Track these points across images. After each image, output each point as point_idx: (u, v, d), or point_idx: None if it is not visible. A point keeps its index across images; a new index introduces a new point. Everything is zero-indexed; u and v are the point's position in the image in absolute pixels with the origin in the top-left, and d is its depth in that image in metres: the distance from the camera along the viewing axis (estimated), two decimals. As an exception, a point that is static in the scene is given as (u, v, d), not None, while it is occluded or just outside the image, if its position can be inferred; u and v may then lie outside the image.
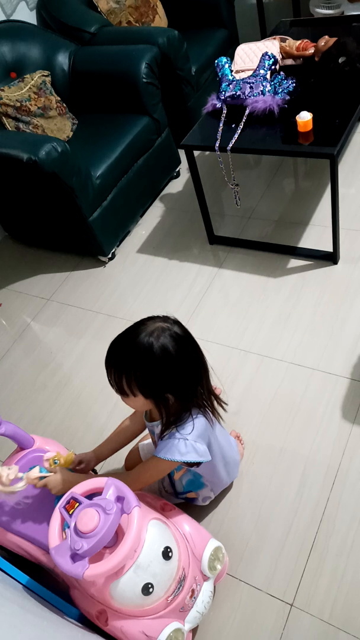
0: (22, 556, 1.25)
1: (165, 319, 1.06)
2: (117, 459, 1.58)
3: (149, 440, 1.45)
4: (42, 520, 1.23)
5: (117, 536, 1.03)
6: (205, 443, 1.14)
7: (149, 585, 1.05)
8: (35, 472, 1.17)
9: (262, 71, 1.87)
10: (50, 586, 1.20)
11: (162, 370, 1.03)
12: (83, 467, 1.28)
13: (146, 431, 1.38)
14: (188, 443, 1.09)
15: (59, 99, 2.36)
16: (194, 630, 1.26)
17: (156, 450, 1.12)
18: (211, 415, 1.15)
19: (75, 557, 0.95)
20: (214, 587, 1.28)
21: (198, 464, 1.25)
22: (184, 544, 1.18)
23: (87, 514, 0.96)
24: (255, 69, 1.89)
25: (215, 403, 1.17)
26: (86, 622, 1.15)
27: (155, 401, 1.07)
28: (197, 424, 1.11)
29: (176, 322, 1.07)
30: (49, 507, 1.23)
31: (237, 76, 1.93)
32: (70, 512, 0.99)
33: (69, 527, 0.98)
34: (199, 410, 1.12)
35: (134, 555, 1.03)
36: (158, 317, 1.07)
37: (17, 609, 1.00)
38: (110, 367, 1.06)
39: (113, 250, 2.35)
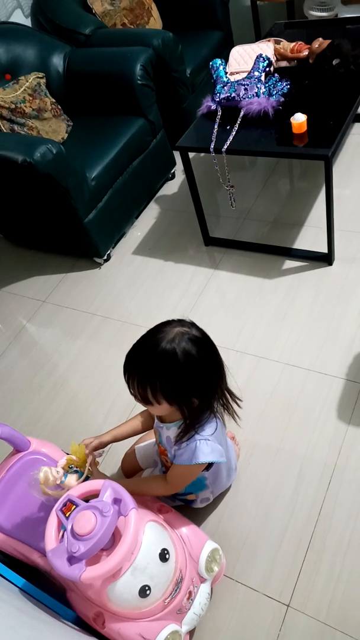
0: (19, 559, 1.25)
1: (182, 322, 1.04)
2: (114, 460, 1.58)
3: (146, 443, 1.45)
4: (38, 523, 1.23)
5: (114, 538, 1.03)
6: (219, 443, 1.15)
7: (146, 588, 1.05)
8: (74, 483, 1.15)
9: (256, 73, 1.88)
10: (46, 589, 1.20)
11: (188, 376, 1.01)
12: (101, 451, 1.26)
13: (143, 433, 1.38)
14: (209, 443, 1.09)
15: (53, 100, 2.36)
16: (191, 632, 1.26)
17: (177, 458, 1.11)
18: (224, 413, 1.15)
19: (72, 559, 0.94)
20: (211, 588, 1.28)
21: (211, 465, 1.25)
22: (181, 546, 1.18)
23: (84, 517, 0.96)
24: (250, 71, 1.90)
25: (230, 400, 1.15)
26: (83, 625, 1.15)
27: (180, 406, 1.05)
28: (217, 424, 1.11)
29: (193, 325, 1.05)
30: (45, 509, 1.23)
31: (232, 78, 1.94)
32: (67, 515, 0.99)
33: (65, 529, 0.97)
34: (215, 410, 1.12)
35: (131, 558, 1.02)
36: (174, 321, 1.05)
37: (14, 611, 0.99)
38: (132, 377, 1.03)
39: (109, 252, 2.35)
